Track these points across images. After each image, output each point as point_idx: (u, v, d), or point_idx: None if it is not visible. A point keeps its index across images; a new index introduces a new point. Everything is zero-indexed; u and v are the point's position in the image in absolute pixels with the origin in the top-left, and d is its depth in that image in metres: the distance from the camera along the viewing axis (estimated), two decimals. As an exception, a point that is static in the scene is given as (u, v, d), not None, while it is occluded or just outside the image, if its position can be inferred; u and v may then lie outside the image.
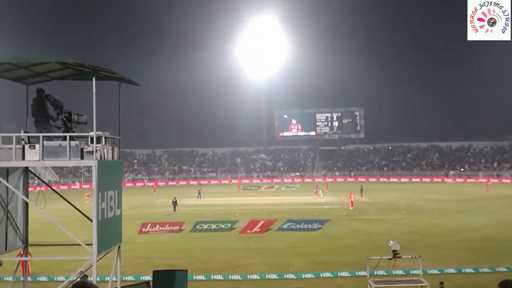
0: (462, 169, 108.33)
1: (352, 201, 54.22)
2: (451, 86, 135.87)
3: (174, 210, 51.90)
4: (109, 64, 13.18)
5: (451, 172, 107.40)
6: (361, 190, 67.20)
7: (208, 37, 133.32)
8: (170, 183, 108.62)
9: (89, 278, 13.53)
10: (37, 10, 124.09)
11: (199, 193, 69.24)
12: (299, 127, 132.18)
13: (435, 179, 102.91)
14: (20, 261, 14.47)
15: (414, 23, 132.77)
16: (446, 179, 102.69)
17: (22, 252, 14.21)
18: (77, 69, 13.16)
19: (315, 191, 71.01)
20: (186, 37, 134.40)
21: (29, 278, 15.35)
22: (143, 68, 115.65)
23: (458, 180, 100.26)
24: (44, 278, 23.25)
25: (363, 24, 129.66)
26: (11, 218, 13.15)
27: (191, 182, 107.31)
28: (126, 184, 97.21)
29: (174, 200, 53.23)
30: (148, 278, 20.19)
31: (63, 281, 16.76)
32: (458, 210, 49.22)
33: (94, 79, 12.26)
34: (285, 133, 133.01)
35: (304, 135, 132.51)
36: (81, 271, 19.26)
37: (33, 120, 12.97)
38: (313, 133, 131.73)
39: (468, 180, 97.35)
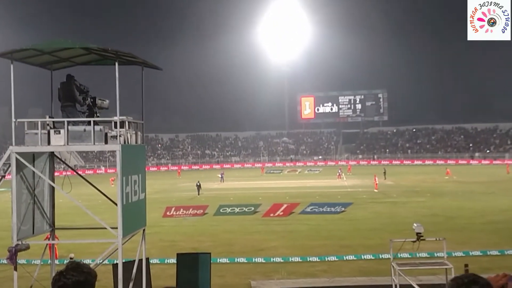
0: (487, 151, 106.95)
1: (376, 184, 54.04)
2: (476, 66, 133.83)
3: (198, 194, 52.22)
4: (131, 49, 13.27)
5: (477, 154, 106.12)
6: (385, 172, 66.88)
7: (230, 21, 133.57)
8: (194, 167, 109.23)
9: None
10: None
11: (222, 177, 69.59)
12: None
13: (460, 161, 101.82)
14: (47, 244, 14.70)
15: (438, 4, 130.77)
16: (471, 161, 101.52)
17: (49, 236, 14.44)
18: (100, 54, 13.25)
19: (338, 174, 70.78)
20: (209, 21, 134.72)
21: (56, 261, 15.58)
22: (166, 52, 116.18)
23: (483, 162, 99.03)
24: (71, 261, 23.62)
25: (386, 6, 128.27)
26: (38, 202, 13.34)
27: (214, 166, 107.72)
28: (150, 169, 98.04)
29: (198, 184, 53.50)
30: (173, 260, 20.46)
31: (89, 264, 17.04)
32: (483, 192, 48.70)
33: (116, 64, 12.32)
34: (308, 116, 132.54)
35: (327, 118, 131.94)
36: (70, 257, 19.60)
37: (59, 105, 13.07)
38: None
39: (494, 162, 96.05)
